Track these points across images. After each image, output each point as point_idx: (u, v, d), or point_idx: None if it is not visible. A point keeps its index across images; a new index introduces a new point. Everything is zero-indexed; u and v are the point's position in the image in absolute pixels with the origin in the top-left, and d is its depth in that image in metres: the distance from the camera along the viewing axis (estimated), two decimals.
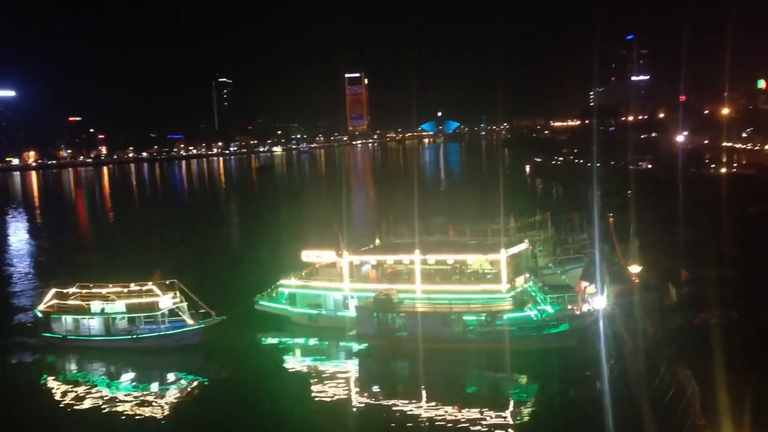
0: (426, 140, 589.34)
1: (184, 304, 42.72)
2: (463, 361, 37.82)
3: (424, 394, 34.14)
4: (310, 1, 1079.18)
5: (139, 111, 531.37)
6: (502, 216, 49.64)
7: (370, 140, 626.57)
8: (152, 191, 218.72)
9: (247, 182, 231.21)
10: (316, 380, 37.15)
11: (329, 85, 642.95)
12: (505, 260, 41.61)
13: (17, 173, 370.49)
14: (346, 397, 35.40)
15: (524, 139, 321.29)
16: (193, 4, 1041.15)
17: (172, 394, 36.61)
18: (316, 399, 34.77)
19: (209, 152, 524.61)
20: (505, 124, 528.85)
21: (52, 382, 38.91)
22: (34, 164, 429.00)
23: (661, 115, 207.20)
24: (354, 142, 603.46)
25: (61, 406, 35.10)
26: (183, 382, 38.38)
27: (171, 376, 39.02)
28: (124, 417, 33.18)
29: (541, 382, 35.30)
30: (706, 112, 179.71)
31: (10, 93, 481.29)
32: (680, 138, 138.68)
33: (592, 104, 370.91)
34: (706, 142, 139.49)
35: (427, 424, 30.64)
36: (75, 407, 34.63)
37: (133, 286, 43.22)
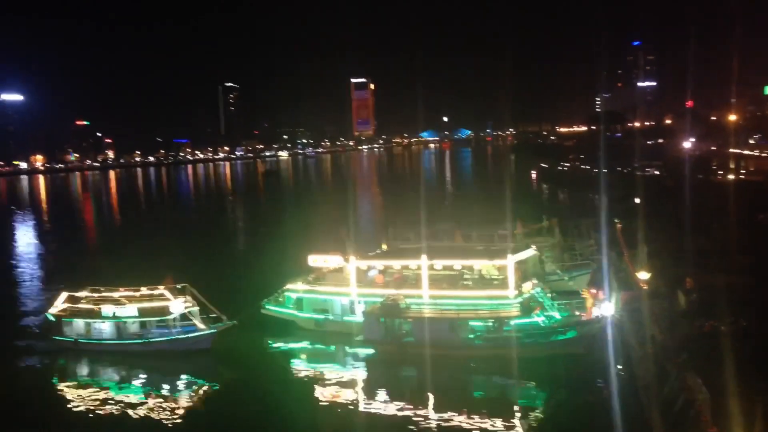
0: (432, 145, 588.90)
1: (196, 309, 42.75)
2: (470, 367, 37.80)
3: (430, 399, 34.11)
4: (317, 7, 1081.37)
5: (146, 115, 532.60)
6: (509, 222, 49.59)
7: (376, 145, 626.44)
8: (159, 195, 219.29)
9: (254, 187, 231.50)
10: (322, 385, 37.23)
11: (335, 90, 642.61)
12: (512, 266, 41.56)
13: (25, 177, 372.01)
14: (352, 402, 35.47)
15: (531, 145, 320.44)
16: (200, 8, 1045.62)
17: (183, 399, 36.75)
18: (323, 404, 34.88)
19: (216, 156, 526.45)
20: (510, 130, 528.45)
21: (63, 386, 39.04)
22: (41, 168, 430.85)
23: (668, 121, 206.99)
24: (360, 147, 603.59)
25: (72, 409, 35.26)
26: (194, 386, 38.53)
27: (182, 381, 39.09)
28: (135, 421, 33.34)
29: (549, 388, 35.20)
30: (713, 118, 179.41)
31: (18, 97, 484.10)
32: (687, 144, 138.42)
33: (598, 110, 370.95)
34: (713, 148, 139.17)
35: (434, 430, 30.64)
36: (86, 411, 34.78)
37: (144, 290, 43.32)
